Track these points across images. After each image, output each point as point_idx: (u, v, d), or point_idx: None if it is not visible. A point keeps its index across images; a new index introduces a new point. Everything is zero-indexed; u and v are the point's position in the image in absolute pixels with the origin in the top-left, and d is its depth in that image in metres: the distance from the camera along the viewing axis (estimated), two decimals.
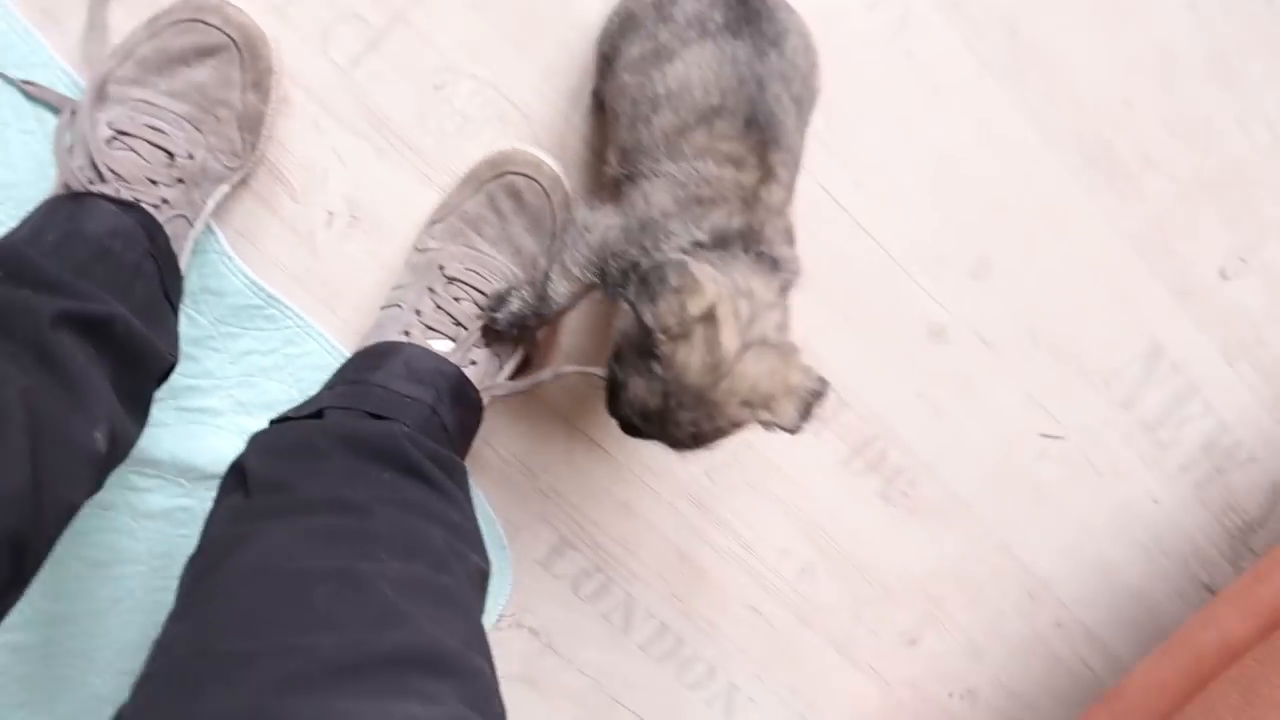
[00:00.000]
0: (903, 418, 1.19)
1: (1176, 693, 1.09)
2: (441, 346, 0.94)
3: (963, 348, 1.17)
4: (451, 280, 0.95)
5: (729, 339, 0.73)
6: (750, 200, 0.80)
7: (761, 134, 0.79)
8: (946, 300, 1.15)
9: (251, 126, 0.91)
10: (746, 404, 0.75)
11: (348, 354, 1.02)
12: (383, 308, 0.99)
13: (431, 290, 0.95)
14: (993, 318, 1.17)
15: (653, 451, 1.15)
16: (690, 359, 0.73)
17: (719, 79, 0.78)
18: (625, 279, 0.80)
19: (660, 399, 0.75)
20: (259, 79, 0.90)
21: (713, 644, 1.25)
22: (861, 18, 1.03)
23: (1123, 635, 1.35)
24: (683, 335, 0.72)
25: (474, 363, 0.96)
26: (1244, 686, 1.00)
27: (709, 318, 0.72)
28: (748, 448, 1.17)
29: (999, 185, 1.11)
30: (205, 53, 0.87)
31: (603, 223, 0.84)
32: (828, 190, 1.08)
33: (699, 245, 0.78)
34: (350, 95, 0.97)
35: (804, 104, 0.84)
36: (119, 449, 0.80)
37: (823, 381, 0.77)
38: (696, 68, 0.79)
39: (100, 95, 0.86)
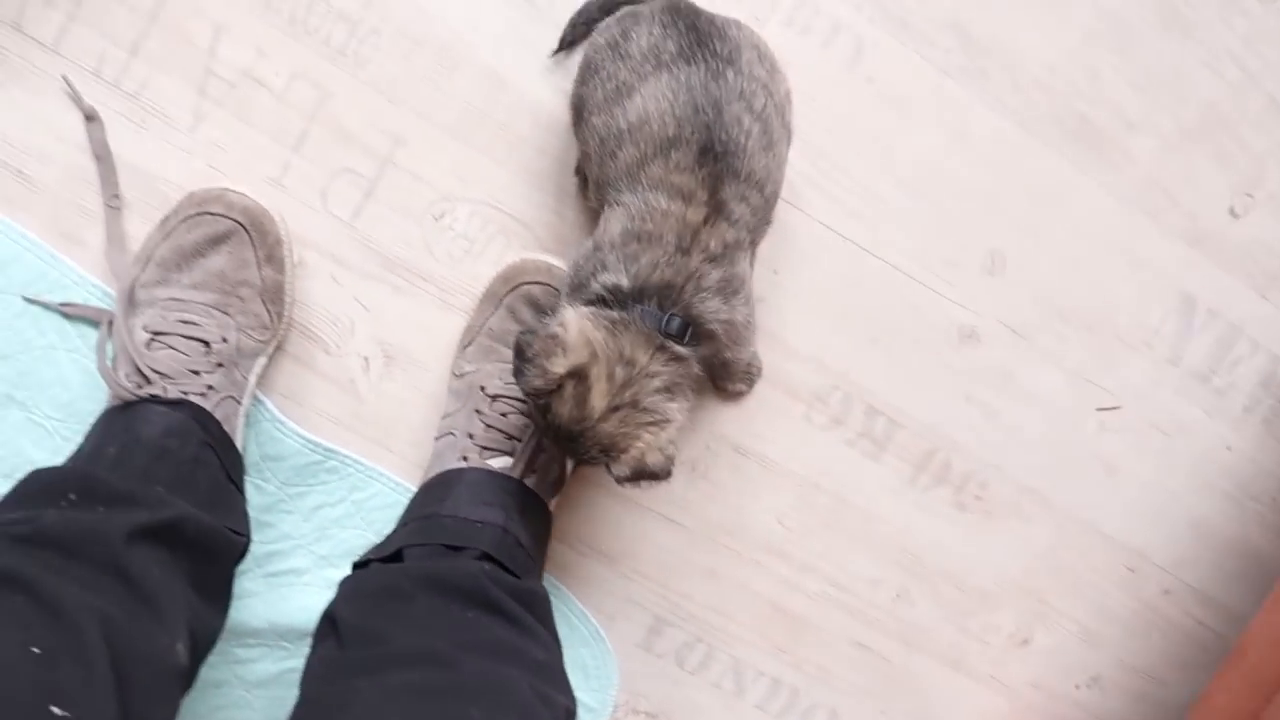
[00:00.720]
0: (956, 424, 1.14)
1: None
2: (500, 463, 0.92)
3: (996, 343, 1.12)
4: (495, 398, 0.93)
5: (597, 399, 0.78)
6: (687, 245, 0.78)
7: (715, 164, 0.77)
8: (968, 301, 1.10)
9: (274, 297, 0.91)
10: (603, 451, 0.80)
11: (411, 488, 1.00)
12: (437, 438, 0.97)
13: (479, 412, 0.93)
14: (1018, 308, 1.11)
15: (721, 511, 1.10)
16: (561, 409, 0.79)
17: (675, 108, 0.77)
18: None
19: (545, 429, 0.82)
20: (271, 252, 0.90)
21: (828, 688, 1.18)
22: (817, 57, 1.01)
23: (1232, 588, 1.25)
24: (554, 391, 0.78)
25: (534, 471, 0.93)
26: None
27: (581, 376, 0.77)
28: (814, 488, 1.11)
29: (989, 180, 1.08)
30: (217, 240, 0.88)
31: (582, 247, 0.86)
32: (827, 225, 1.05)
33: (616, 291, 0.80)
34: (358, 244, 0.97)
35: (770, 119, 0.81)
36: (201, 648, 0.79)
37: (668, 471, 0.82)
38: (654, 100, 0.78)
39: (131, 302, 0.86)
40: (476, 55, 0.97)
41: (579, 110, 0.87)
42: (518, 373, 0.79)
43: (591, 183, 0.88)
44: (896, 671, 1.19)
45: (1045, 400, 1.15)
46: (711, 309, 0.81)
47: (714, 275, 0.80)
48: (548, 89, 0.98)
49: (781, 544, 1.13)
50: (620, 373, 0.78)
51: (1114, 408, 1.18)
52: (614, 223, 0.81)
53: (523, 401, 0.92)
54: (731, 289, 0.82)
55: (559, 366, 0.77)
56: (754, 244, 0.85)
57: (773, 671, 1.16)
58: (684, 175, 0.77)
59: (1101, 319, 1.14)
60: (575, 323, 0.77)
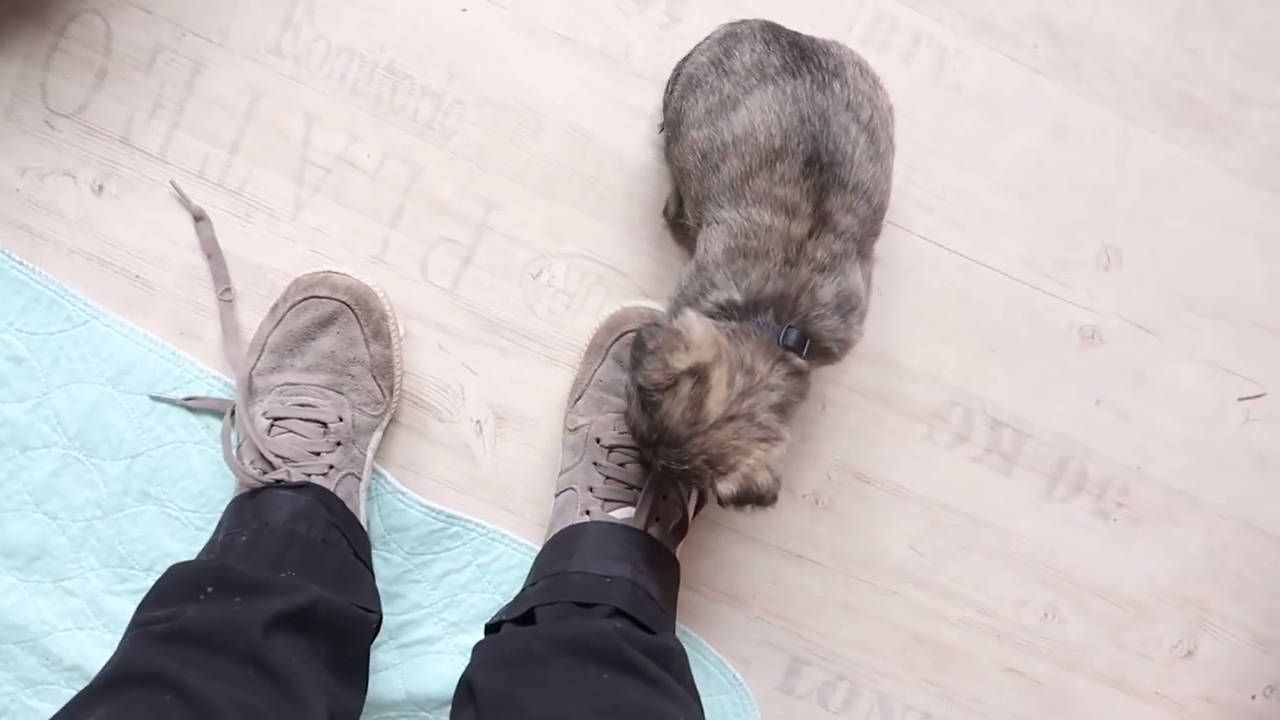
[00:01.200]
0: (1088, 430, 1.06)
1: None
2: (623, 514, 0.89)
3: (1122, 341, 1.05)
4: (611, 449, 0.91)
5: (715, 403, 0.74)
6: (794, 258, 0.75)
7: (820, 175, 0.74)
8: (1087, 301, 1.03)
9: (384, 372, 0.91)
10: (708, 463, 0.75)
11: (534, 547, 0.98)
12: (556, 494, 0.95)
13: (596, 464, 0.91)
14: (1141, 302, 1.04)
15: (851, 543, 1.05)
16: (673, 409, 0.74)
17: (781, 119, 0.75)
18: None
19: (646, 431, 0.77)
20: (377, 328, 0.90)
21: (982, 719, 1.10)
22: (901, 72, 0.97)
23: None
24: (670, 386, 0.73)
25: (658, 519, 0.90)
26: None
27: (700, 375, 0.73)
28: (945, 510, 1.05)
29: (1094, 174, 1.01)
30: (325, 322, 0.88)
31: (685, 271, 0.83)
32: (929, 239, 1.00)
33: (730, 306, 0.77)
34: (461, 310, 0.96)
35: (876, 130, 0.78)
36: None
37: (774, 496, 0.76)
38: (760, 112, 0.75)
39: (250, 390, 0.87)
40: (558, 114, 0.96)
41: (675, 125, 0.84)
42: (635, 364, 0.74)
43: (689, 201, 0.85)
44: (1053, 695, 1.11)
45: (1182, 396, 1.07)
46: (830, 327, 0.77)
47: (828, 288, 0.76)
48: (631, 137, 0.96)
49: (917, 571, 1.07)
50: (741, 380, 0.74)
51: (1258, 396, 1.09)
52: (715, 242, 0.78)
53: (639, 449, 0.89)
54: (849, 305, 0.78)
55: (680, 362, 0.73)
56: (863, 255, 0.81)
57: (921, 705, 1.09)
58: (788, 187, 0.74)
59: (1234, 304, 1.06)
60: (698, 323, 0.74)
